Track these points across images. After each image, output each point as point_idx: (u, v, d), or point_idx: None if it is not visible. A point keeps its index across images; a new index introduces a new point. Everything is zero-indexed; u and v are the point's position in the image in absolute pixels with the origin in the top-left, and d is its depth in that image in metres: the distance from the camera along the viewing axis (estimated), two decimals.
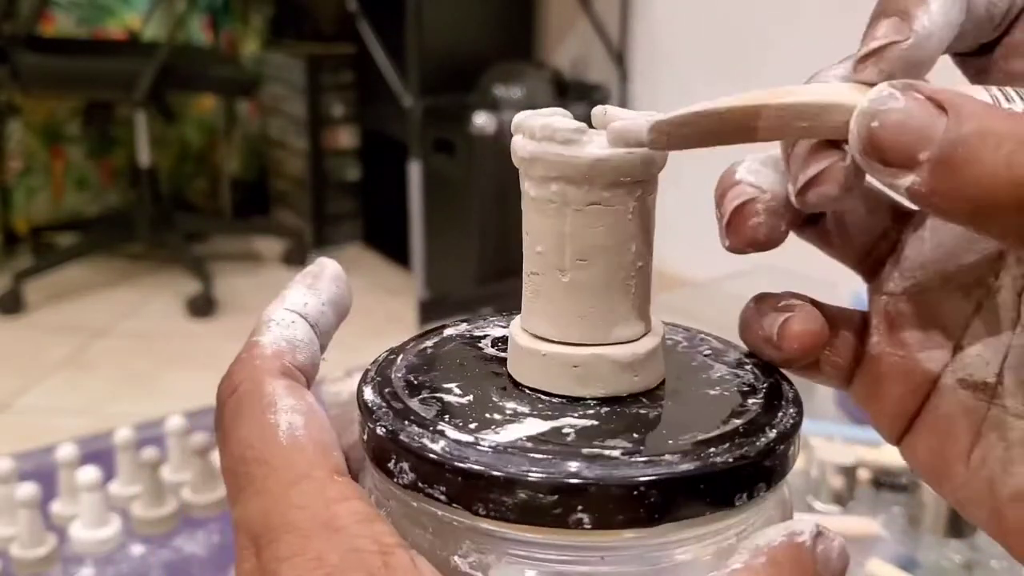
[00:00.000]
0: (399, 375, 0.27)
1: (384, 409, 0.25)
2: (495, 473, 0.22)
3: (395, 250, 2.63)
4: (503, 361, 0.28)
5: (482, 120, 2.16)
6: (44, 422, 1.86)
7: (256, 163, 3.07)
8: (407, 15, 2.16)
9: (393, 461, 0.24)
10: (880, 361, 0.27)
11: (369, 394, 0.26)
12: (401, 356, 0.28)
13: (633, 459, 0.23)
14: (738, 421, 0.25)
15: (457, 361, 0.28)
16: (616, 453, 0.23)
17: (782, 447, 0.24)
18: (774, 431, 0.24)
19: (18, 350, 2.17)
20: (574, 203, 0.25)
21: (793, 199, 0.25)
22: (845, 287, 1.07)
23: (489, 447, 0.23)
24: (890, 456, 0.72)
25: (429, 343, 0.29)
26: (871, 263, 0.28)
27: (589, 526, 0.22)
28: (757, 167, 0.26)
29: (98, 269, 2.58)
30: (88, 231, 2.72)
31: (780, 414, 0.25)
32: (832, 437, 0.74)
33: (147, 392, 1.99)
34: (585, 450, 0.23)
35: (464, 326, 0.30)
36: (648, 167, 0.25)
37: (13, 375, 2.04)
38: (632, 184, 0.25)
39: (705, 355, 0.29)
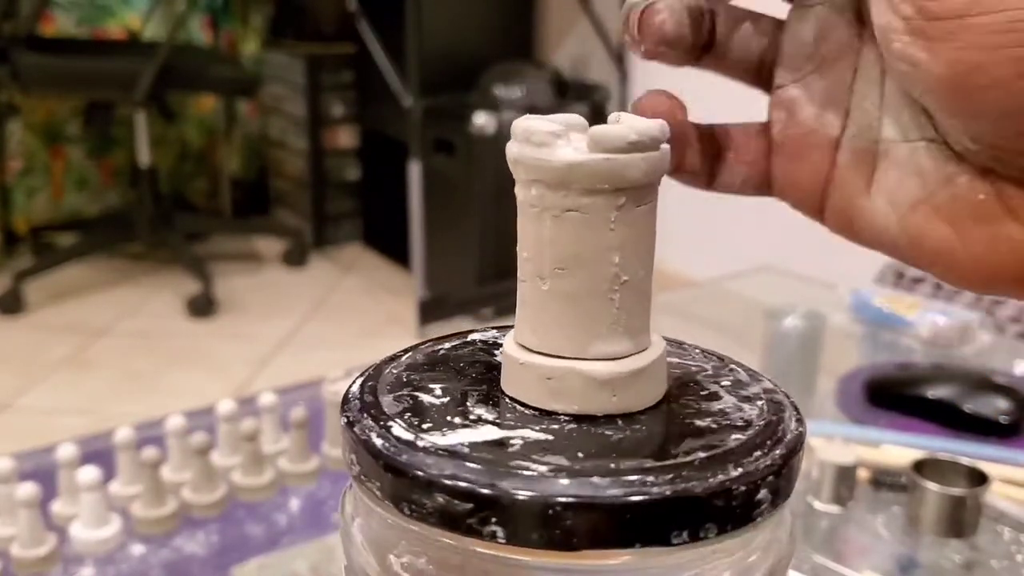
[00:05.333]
0: (397, 371, 0.27)
1: (356, 401, 0.25)
2: (417, 474, 0.22)
3: (395, 250, 2.63)
4: None
5: (482, 120, 2.16)
6: (44, 422, 1.86)
7: (256, 163, 3.07)
8: (407, 15, 2.16)
9: (348, 451, 0.24)
10: (787, 145, 0.32)
11: (354, 386, 0.26)
12: (410, 354, 0.28)
13: (557, 477, 0.22)
14: (702, 455, 0.23)
15: (461, 364, 0.28)
16: (543, 469, 0.22)
17: (741, 488, 0.22)
18: (738, 470, 0.23)
19: (18, 350, 2.18)
20: (552, 208, 0.24)
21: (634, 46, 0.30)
22: (845, 287, 1.07)
23: (424, 448, 0.23)
24: (889, 456, 0.72)
25: (447, 344, 0.29)
26: (765, 73, 0.33)
27: (503, 540, 0.21)
28: None
29: (98, 269, 2.58)
30: (88, 231, 2.72)
31: (758, 454, 0.23)
32: (832, 437, 0.74)
33: (147, 392, 1.99)
34: (513, 463, 0.22)
35: (493, 332, 0.30)
36: (632, 175, 0.24)
37: (13, 375, 2.04)
38: (612, 192, 0.24)
39: (723, 385, 0.27)
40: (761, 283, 1.21)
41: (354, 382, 0.26)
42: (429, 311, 2.19)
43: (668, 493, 0.22)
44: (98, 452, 0.77)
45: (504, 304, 2.20)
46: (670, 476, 0.22)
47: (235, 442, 0.77)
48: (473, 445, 0.23)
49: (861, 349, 1.03)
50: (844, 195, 0.31)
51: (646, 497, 0.21)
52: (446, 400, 0.26)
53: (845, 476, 0.68)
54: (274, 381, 1.88)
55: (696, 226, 2.30)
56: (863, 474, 0.71)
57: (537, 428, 0.24)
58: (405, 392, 0.26)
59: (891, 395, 0.82)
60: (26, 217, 2.73)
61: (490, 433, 0.24)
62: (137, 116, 2.47)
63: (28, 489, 0.66)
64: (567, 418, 0.25)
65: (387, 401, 0.25)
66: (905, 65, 0.26)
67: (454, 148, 2.24)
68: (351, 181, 2.87)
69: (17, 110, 2.68)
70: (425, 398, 0.26)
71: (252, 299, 2.45)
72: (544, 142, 0.24)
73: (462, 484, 0.22)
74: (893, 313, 1.01)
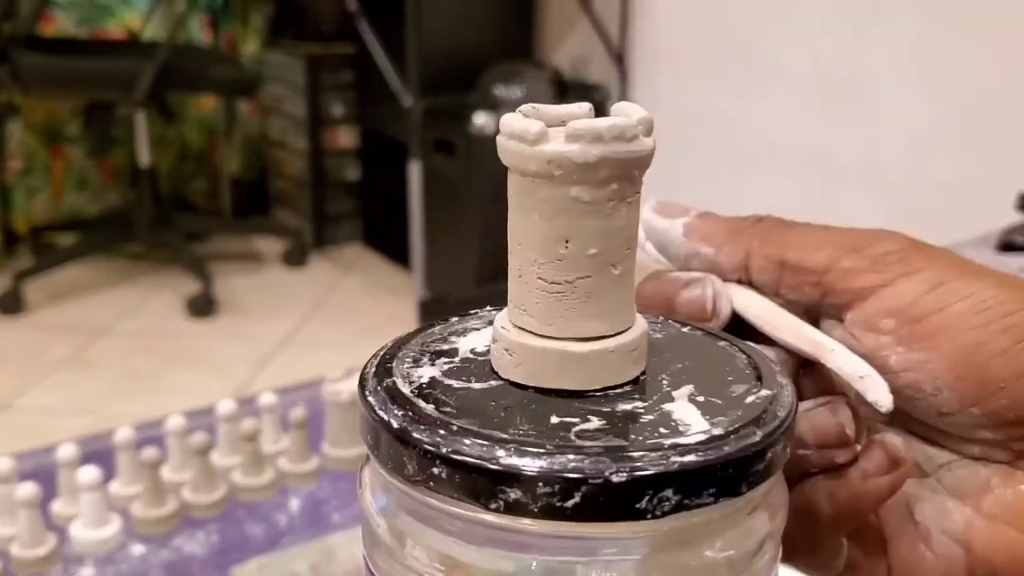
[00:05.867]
0: (427, 401, 0.25)
1: (461, 437, 0.24)
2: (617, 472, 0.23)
3: (395, 250, 2.63)
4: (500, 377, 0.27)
5: (482, 120, 2.16)
6: (44, 422, 1.86)
7: (256, 163, 3.07)
8: (407, 15, 2.16)
9: (480, 484, 0.23)
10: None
11: (406, 427, 0.24)
12: (387, 377, 0.26)
13: (726, 438, 0.24)
14: (756, 385, 0.26)
15: (469, 381, 0.27)
16: (719, 431, 0.24)
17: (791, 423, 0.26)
18: (787, 392, 0.26)
19: (18, 350, 2.18)
20: (628, 196, 0.26)
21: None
22: None
23: (584, 450, 0.23)
24: None
25: (426, 367, 0.28)
26: None
27: (671, 509, 0.23)
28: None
29: (98, 269, 2.58)
30: (88, 231, 2.72)
31: (787, 386, 0.27)
32: None
33: (147, 392, 1.99)
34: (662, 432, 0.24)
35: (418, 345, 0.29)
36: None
37: (13, 375, 2.04)
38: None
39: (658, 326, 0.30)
40: None
41: (386, 413, 0.25)
42: (429, 311, 2.19)
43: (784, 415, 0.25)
44: (98, 452, 0.77)
45: (504, 304, 2.20)
46: (771, 399, 0.26)
47: (235, 442, 0.77)
48: (634, 427, 0.24)
49: None
50: (900, 550, 0.30)
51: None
52: (519, 416, 0.25)
53: None
54: (274, 381, 1.88)
55: None
56: None
57: (636, 397, 0.26)
58: (495, 420, 0.25)
59: None
60: (26, 217, 2.73)
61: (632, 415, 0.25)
62: (137, 116, 2.47)
63: (28, 489, 0.66)
64: (629, 385, 0.27)
65: (467, 424, 0.24)
66: (911, 373, 0.28)
67: (454, 148, 2.24)
68: (351, 181, 2.87)
69: (17, 110, 2.67)
70: (502, 418, 0.25)
71: (252, 299, 2.45)
72: (635, 135, 0.25)
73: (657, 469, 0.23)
74: None
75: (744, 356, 0.28)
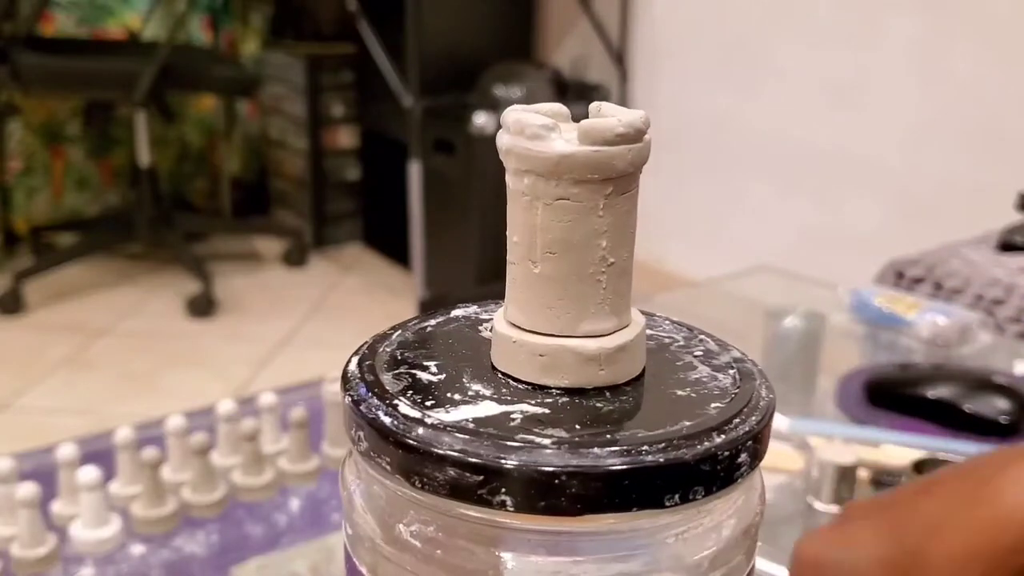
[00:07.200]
0: (389, 349, 0.28)
1: (357, 380, 0.26)
2: (429, 450, 0.23)
3: (395, 250, 2.63)
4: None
5: (482, 120, 2.16)
6: (44, 422, 1.86)
7: (256, 163, 3.07)
8: (407, 15, 2.16)
9: (354, 428, 0.25)
10: None
11: (352, 365, 0.27)
12: (399, 332, 0.29)
13: (560, 448, 0.23)
14: (688, 423, 0.25)
15: (450, 341, 0.29)
16: (547, 442, 0.24)
17: (725, 453, 0.24)
18: (721, 437, 0.24)
19: (18, 350, 2.18)
20: (544, 197, 0.25)
21: None
22: (845, 287, 1.07)
23: (432, 425, 0.24)
24: (890, 456, 0.72)
25: (432, 322, 0.30)
26: None
27: (511, 508, 0.23)
28: None
29: (98, 269, 2.58)
30: (88, 231, 2.72)
31: (737, 422, 0.25)
32: (832, 437, 0.74)
33: (147, 392, 1.99)
34: (518, 436, 0.24)
35: (474, 308, 0.31)
36: (619, 166, 0.25)
37: (13, 375, 2.04)
38: (601, 182, 0.25)
39: (696, 356, 0.29)
40: (761, 283, 1.21)
41: (349, 361, 0.28)
42: (429, 311, 2.19)
43: (662, 460, 0.23)
44: (98, 452, 0.77)
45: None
46: (663, 445, 0.24)
47: (235, 442, 0.77)
48: (477, 420, 0.25)
49: (861, 349, 1.03)
50: None
51: (642, 465, 0.23)
52: (442, 377, 0.27)
53: (845, 476, 0.68)
54: (274, 381, 1.89)
55: (696, 226, 2.30)
56: (863, 474, 0.71)
57: (533, 402, 0.26)
58: (403, 370, 0.27)
59: (891, 395, 0.82)
60: (26, 217, 2.73)
61: (490, 408, 0.25)
62: (137, 116, 2.47)
63: (28, 489, 0.66)
64: (559, 391, 0.26)
65: (387, 379, 0.27)
66: None
67: (454, 148, 2.24)
68: (351, 181, 2.87)
69: (17, 110, 2.67)
70: (423, 376, 0.27)
71: (252, 299, 2.45)
72: (537, 135, 0.25)
73: (472, 458, 0.23)
74: (893, 313, 1.01)
75: (735, 378, 0.28)
